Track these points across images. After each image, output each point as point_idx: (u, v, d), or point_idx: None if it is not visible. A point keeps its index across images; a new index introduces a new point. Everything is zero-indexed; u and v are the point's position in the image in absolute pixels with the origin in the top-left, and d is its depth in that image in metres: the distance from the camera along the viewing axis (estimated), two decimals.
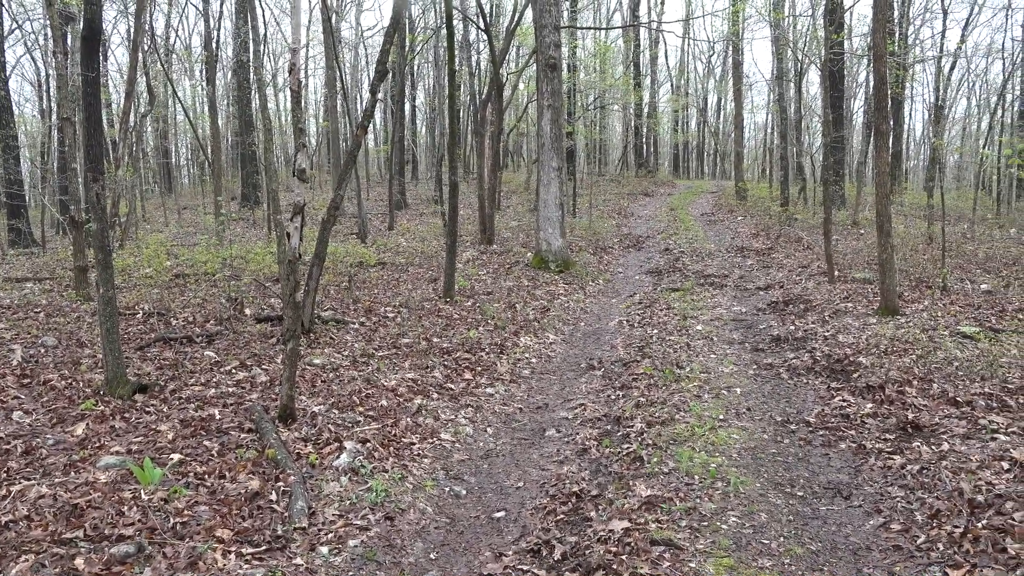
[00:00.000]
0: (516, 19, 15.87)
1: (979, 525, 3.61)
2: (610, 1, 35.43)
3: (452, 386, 5.95)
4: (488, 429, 5.16)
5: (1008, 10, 28.68)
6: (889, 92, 17.57)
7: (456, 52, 15.03)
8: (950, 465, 4.25)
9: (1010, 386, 5.39)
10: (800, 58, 20.61)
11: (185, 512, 3.58)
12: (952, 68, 24.81)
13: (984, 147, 24.52)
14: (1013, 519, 3.65)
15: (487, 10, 18.49)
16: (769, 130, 28.56)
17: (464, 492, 4.21)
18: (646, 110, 32.41)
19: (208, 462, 4.20)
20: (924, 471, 4.23)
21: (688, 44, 36.94)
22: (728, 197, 22.50)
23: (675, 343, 7.17)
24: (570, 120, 21.14)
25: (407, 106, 30.49)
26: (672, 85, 38.63)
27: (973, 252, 12.10)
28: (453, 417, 5.29)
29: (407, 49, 22.45)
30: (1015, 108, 23.48)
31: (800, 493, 4.10)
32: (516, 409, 5.57)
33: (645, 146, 33.60)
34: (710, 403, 5.48)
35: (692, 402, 5.48)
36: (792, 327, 7.61)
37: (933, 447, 4.50)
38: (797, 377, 6.12)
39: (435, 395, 5.71)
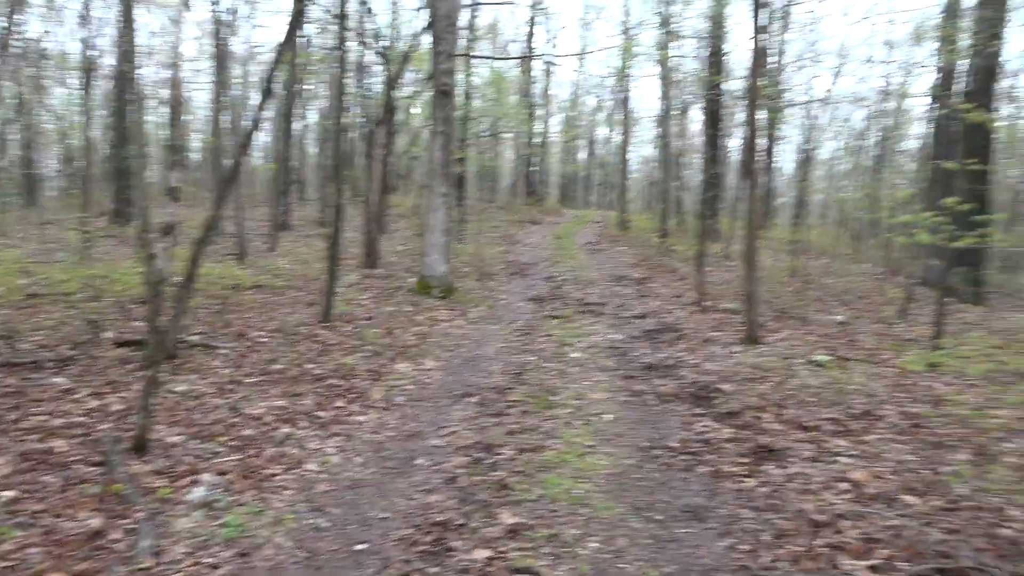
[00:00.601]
0: (412, 45, 15.89)
1: (818, 544, 3.82)
2: (507, 32, 36.08)
3: (322, 414, 5.81)
4: (357, 458, 5.06)
5: (870, 63, 31.24)
6: (764, 134, 18.61)
7: (350, 73, 14.89)
8: (797, 487, 4.49)
9: (853, 411, 5.77)
10: (684, 97, 21.64)
11: (13, 555, 3.32)
12: (821, 114, 26.62)
13: (846, 189, 26.38)
14: (848, 537, 3.89)
15: (384, 33, 18.42)
16: (653, 164, 29.69)
17: (326, 524, 4.10)
18: (537, 140, 33.06)
19: (46, 499, 3.91)
20: (774, 493, 4.45)
21: (580, 78, 38.08)
22: (612, 227, 23.18)
23: (552, 370, 7.29)
24: (462, 147, 21.27)
25: (298, 125, 29.91)
26: (564, 117, 39.63)
27: (832, 285, 12.95)
28: (321, 446, 5.16)
29: (299, 68, 22.03)
30: (872, 153, 25.42)
31: (659, 517, 4.22)
32: (387, 437, 5.49)
33: (535, 175, 34.22)
34: (581, 430, 5.59)
35: (563, 429, 5.57)
36: (663, 355, 7.88)
37: (783, 470, 4.75)
38: (665, 404, 6.33)
39: (304, 423, 5.55)
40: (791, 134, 27.36)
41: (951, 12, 14.46)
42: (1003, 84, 17.40)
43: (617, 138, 30.18)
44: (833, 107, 27.22)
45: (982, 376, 6.91)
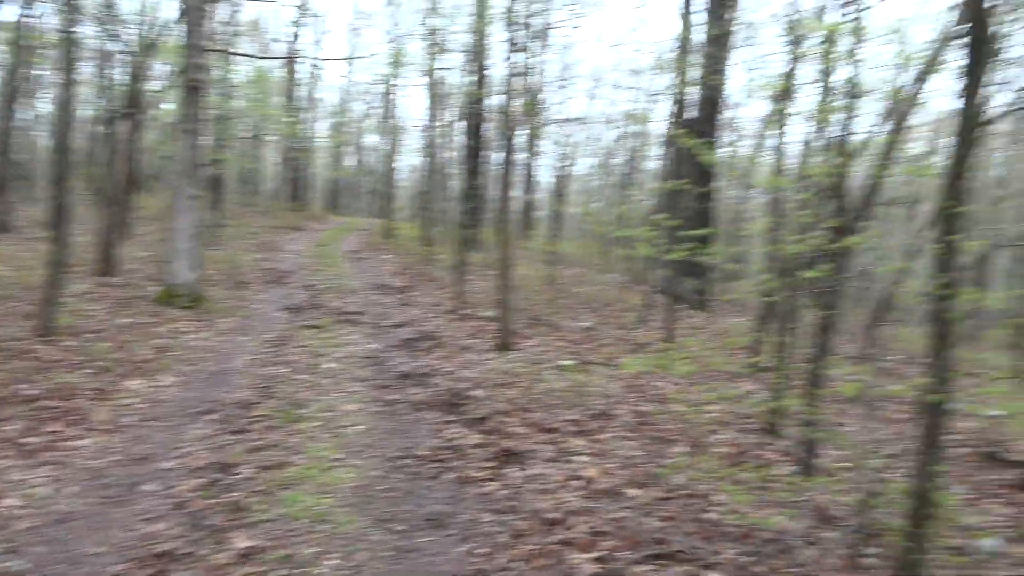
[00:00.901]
0: (161, 35, 14.65)
1: (550, 541, 4.02)
2: (272, 30, 34.53)
3: (32, 440, 5.14)
4: (70, 488, 4.52)
5: (619, 88, 33.95)
6: (523, 148, 19.39)
7: (90, 60, 13.37)
8: (535, 487, 4.71)
9: (591, 412, 6.18)
10: (450, 109, 22.09)
11: None
12: (576, 132, 28.47)
13: (598, 203, 28.39)
14: (577, 532, 4.13)
15: (132, 20, 16.80)
16: (422, 173, 29.99)
17: (25, 567, 3.61)
18: (303, 144, 32.04)
19: None
20: (514, 495, 4.62)
21: (349, 84, 37.51)
22: (378, 235, 23.06)
23: (303, 382, 7.05)
24: (220, 147, 20.07)
25: (30, 114, 26.52)
26: (332, 122, 38.79)
27: (582, 294, 13.83)
28: (25, 478, 4.55)
29: (25, 50, 19.50)
30: (621, 171, 27.62)
31: (402, 527, 4.21)
32: (110, 463, 4.97)
33: (300, 180, 33.12)
34: (328, 443, 5.44)
35: (310, 443, 5.40)
36: (420, 363, 7.93)
37: (524, 471, 4.95)
38: (418, 412, 6.36)
39: (6, 453, 4.87)
40: (550, 150, 28.95)
41: (684, 47, 16.07)
42: (726, 115, 19.65)
43: (385, 146, 30.05)
44: (587, 126, 29.29)
45: (701, 374, 7.72)
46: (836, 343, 7.13)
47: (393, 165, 28.35)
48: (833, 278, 5.37)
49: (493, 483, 4.79)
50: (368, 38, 42.05)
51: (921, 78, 6.15)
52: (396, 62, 23.47)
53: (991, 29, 3.73)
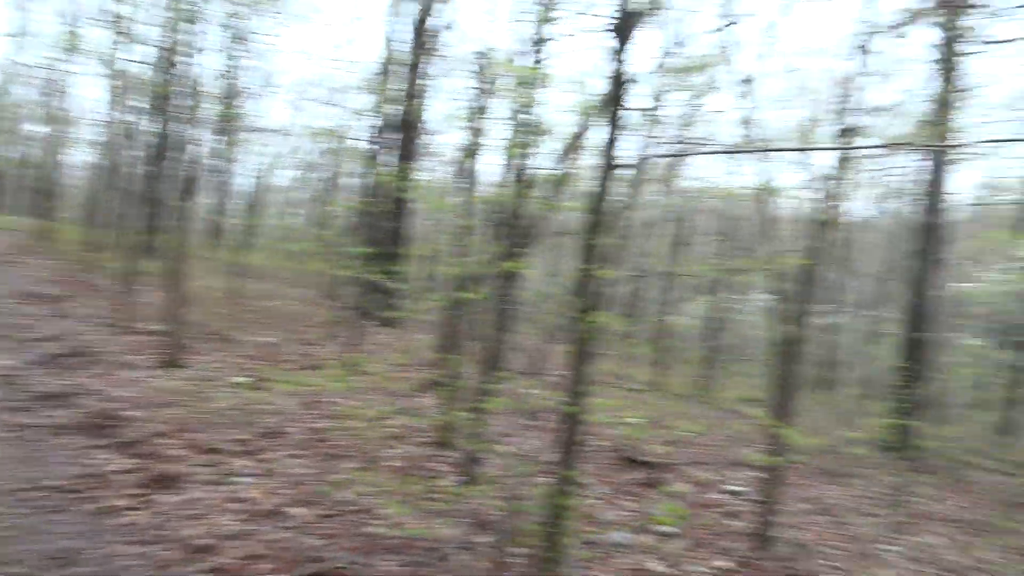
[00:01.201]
0: None
1: (197, 571, 3.77)
2: None
3: None
4: None
5: (321, 103, 33.50)
6: (218, 156, 18.26)
7: None
8: (188, 513, 4.39)
9: (262, 430, 5.94)
10: (137, 104, 20.00)
11: None
12: (278, 143, 27.52)
13: (297, 216, 27.62)
14: (229, 557, 3.93)
15: None
16: (95, 171, 26.84)
17: None
18: None
19: None
20: (163, 523, 4.26)
21: (9, 63, 32.36)
22: (37, 237, 20.19)
23: None
24: None
25: None
26: None
27: (271, 308, 13.31)
28: None
29: None
30: (322, 187, 27.22)
31: (19, 570, 3.67)
32: None
33: None
34: None
35: None
36: (68, 382, 7.02)
37: (177, 497, 4.59)
38: (57, 437, 5.60)
39: None
40: (248, 158, 27.56)
41: (385, 71, 16.32)
42: (424, 139, 20.26)
43: (51, 138, 26.34)
44: (289, 138, 28.48)
45: (383, 390, 7.82)
46: (508, 360, 7.65)
47: (59, 160, 25.04)
48: (500, 299, 5.76)
49: (139, 512, 4.38)
50: (38, 15, 36.53)
51: (588, 125, 6.90)
52: (69, 46, 20.84)
53: (628, 96, 4.28)
